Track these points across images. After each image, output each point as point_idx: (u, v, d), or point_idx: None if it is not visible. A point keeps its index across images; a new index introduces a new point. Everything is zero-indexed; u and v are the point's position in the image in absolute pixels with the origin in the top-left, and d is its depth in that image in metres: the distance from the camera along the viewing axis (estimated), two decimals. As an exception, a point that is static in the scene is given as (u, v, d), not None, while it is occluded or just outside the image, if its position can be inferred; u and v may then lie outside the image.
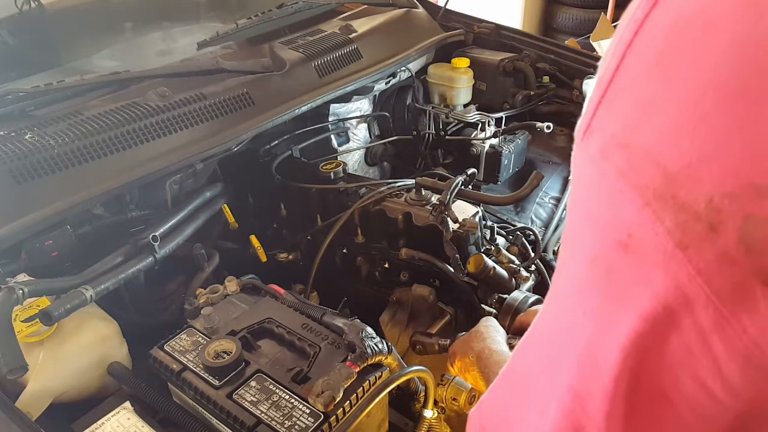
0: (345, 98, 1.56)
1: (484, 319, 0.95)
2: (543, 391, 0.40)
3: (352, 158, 1.74)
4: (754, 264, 0.26)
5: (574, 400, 0.36)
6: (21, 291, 0.85)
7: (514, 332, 0.96)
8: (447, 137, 1.70)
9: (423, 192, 1.24)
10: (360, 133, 1.77)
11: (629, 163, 0.30)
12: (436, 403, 0.93)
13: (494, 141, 1.59)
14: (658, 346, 0.31)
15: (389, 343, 0.86)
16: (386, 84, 1.67)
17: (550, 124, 1.60)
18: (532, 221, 1.49)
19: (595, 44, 3.41)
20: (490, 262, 1.10)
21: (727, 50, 0.27)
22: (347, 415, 0.77)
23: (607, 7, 4.06)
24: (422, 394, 0.93)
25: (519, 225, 1.39)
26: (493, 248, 1.20)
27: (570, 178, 1.63)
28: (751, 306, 0.27)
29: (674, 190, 0.28)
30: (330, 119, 1.62)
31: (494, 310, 1.13)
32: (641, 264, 0.30)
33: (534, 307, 1.02)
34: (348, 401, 0.77)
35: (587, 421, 0.35)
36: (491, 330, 0.90)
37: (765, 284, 0.27)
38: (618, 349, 0.32)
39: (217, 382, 0.80)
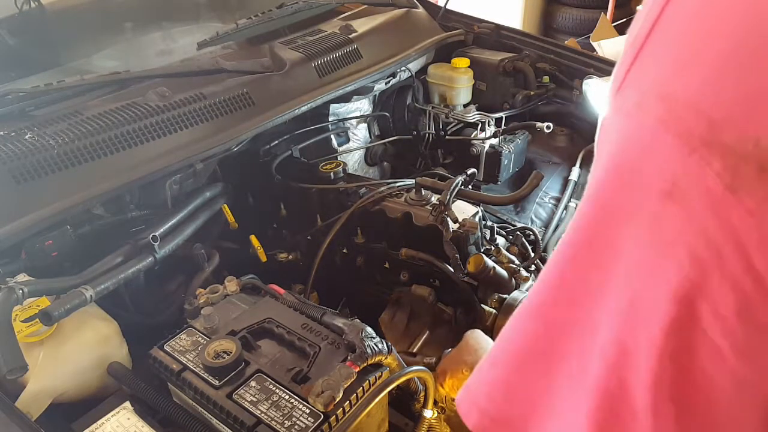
0: (345, 98, 1.56)
1: (469, 332, 0.94)
2: (569, 357, 0.38)
3: (352, 158, 1.74)
4: None
5: (616, 360, 0.35)
6: (21, 291, 0.85)
7: None
8: (447, 137, 1.70)
9: (423, 192, 1.24)
10: (360, 133, 1.77)
11: (670, 113, 0.30)
12: (436, 403, 0.93)
13: (494, 141, 1.59)
14: (710, 292, 0.30)
15: (389, 343, 0.86)
16: (386, 84, 1.67)
17: (550, 124, 1.60)
18: (532, 221, 1.49)
19: (595, 44, 3.41)
20: (490, 262, 1.10)
21: None
22: (347, 415, 0.77)
23: (607, 7, 4.05)
24: (422, 394, 0.93)
25: (519, 225, 1.40)
26: (493, 248, 1.20)
27: (571, 172, 1.60)
28: None
29: (720, 136, 0.28)
30: (330, 119, 1.62)
31: (494, 310, 1.13)
32: (689, 210, 0.30)
33: None
34: (348, 401, 0.77)
35: (632, 379, 0.34)
36: (481, 341, 0.89)
37: None
38: (668, 299, 0.31)
39: (217, 382, 0.80)
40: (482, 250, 1.19)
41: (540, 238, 1.31)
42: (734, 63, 0.28)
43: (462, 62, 1.73)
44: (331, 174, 1.35)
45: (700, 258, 0.30)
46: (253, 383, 0.81)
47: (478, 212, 1.21)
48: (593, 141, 0.37)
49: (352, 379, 0.79)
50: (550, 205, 1.54)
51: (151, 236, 1.06)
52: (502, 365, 0.45)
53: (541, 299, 0.41)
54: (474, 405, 0.46)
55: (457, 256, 1.14)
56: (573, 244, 0.38)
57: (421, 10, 1.83)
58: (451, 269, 1.16)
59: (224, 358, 0.82)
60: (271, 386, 0.80)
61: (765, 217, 0.28)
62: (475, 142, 1.59)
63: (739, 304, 0.29)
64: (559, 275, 0.40)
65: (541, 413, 0.40)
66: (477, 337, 0.92)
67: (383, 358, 0.84)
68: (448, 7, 1.88)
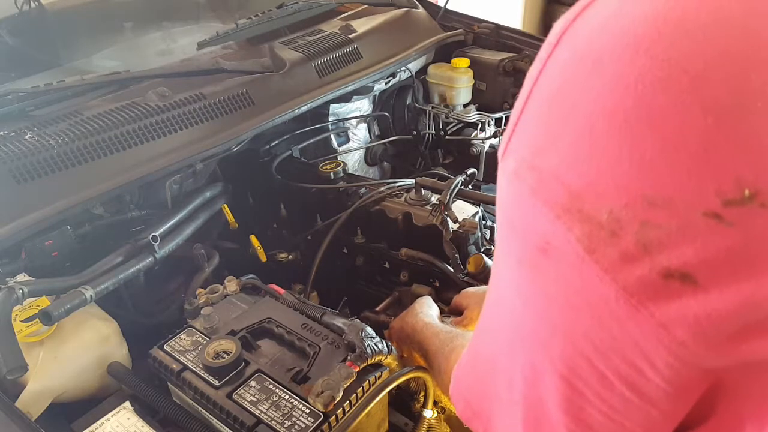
0: (345, 98, 1.56)
1: (420, 298, 1.00)
2: (506, 367, 0.45)
3: (352, 158, 1.74)
4: (652, 260, 0.31)
5: (532, 377, 0.41)
6: (21, 291, 0.85)
7: (450, 311, 1.01)
8: (447, 137, 1.70)
9: (423, 192, 1.24)
10: (360, 133, 1.77)
11: (539, 183, 0.35)
12: (435, 403, 0.93)
13: (494, 141, 1.59)
14: (587, 335, 0.35)
15: (389, 343, 0.86)
16: (386, 84, 1.67)
17: (550, 124, 1.59)
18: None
19: (595, 44, 3.40)
20: (490, 262, 1.10)
21: (610, 85, 0.32)
22: (347, 415, 0.77)
23: (607, 7, 4.05)
24: (422, 394, 0.93)
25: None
26: (493, 248, 1.20)
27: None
28: (654, 294, 0.31)
29: (579, 205, 0.33)
30: (330, 119, 1.62)
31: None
32: (560, 266, 0.35)
33: (468, 289, 1.04)
34: (348, 401, 0.77)
35: (545, 394, 0.40)
36: (424, 306, 0.97)
37: (662, 276, 0.31)
38: (554, 336, 0.37)
39: (217, 382, 0.80)
40: (482, 250, 1.19)
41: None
42: (587, 142, 0.32)
43: (462, 62, 1.73)
44: (331, 174, 1.35)
45: (573, 307, 0.35)
46: (253, 383, 0.81)
47: (478, 212, 1.20)
48: None
49: (352, 379, 0.79)
50: (550, 205, 1.54)
51: (151, 236, 1.06)
52: (467, 367, 0.54)
53: (483, 321, 0.51)
54: (461, 396, 0.56)
55: (457, 256, 1.14)
56: (494, 275, 0.46)
57: (421, 10, 1.83)
58: (451, 269, 1.16)
59: (224, 358, 0.82)
60: (270, 386, 0.80)
61: (618, 274, 0.32)
62: (475, 142, 1.59)
63: (611, 344, 0.35)
64: (490, 306, 0.48)
65: (498, 410, 0.48)
66: (422, 302, 0.99)
67: (383, 358, 0.84)
68: (448, 7, 1.87)
